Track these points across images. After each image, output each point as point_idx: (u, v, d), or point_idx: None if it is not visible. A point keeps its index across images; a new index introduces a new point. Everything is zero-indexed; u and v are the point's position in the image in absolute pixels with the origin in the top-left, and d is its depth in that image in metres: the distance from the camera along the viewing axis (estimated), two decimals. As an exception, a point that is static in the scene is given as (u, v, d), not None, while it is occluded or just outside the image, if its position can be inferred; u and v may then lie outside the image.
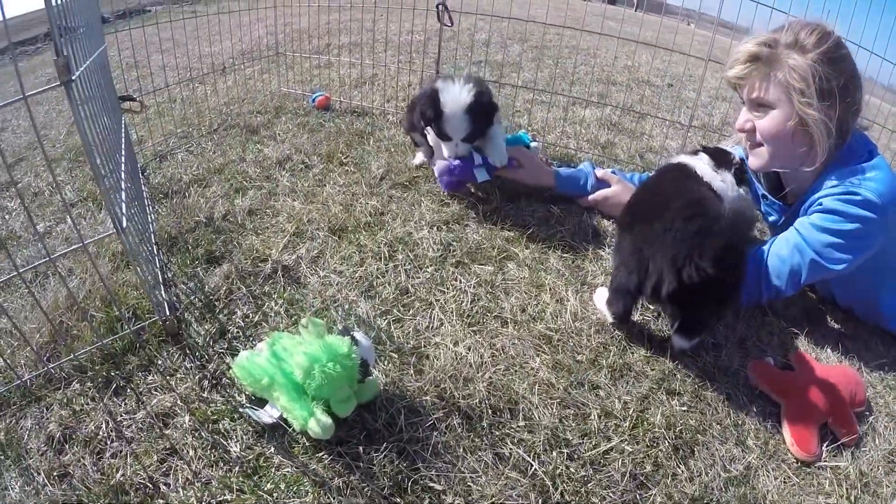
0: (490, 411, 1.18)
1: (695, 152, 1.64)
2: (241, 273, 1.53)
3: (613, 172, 1.98)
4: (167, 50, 3.49)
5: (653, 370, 1.34)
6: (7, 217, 1.97)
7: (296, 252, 1.63)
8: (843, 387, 1.32)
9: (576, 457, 1.12)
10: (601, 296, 1.49)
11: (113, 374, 1.20)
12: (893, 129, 2.48)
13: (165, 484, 1.00)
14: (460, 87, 1.77)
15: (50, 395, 1.16)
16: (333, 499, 0.99)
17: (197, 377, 1.19)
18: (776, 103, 1.46)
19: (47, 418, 1.10)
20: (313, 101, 2.84)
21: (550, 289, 1.55)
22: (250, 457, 1.04)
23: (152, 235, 1.66)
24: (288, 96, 2.98)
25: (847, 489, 1.16)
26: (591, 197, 1.93)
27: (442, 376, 1.23)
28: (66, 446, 1.05)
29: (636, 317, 1.49)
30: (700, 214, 1.28)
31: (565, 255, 1.71)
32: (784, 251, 1.46)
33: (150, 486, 0.99)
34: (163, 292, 1.41)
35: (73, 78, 1.10)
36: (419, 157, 2.18)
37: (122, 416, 1.11)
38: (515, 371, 1.29)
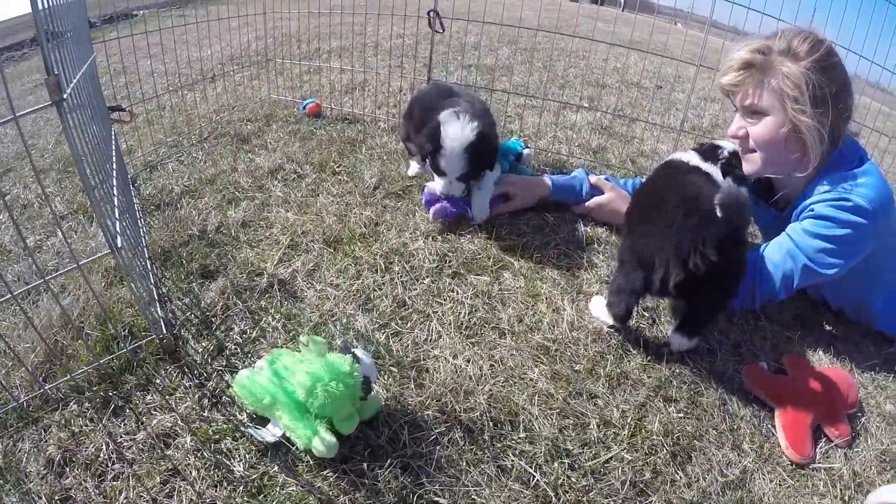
0: (491, 424, 1.19)
1: (696, 149, 1.67)
2: (236, 288, 1.52)
3: (607, 179, 2.00)
4: (154, 55, 3.45)
5: (649, 377, 1.36)
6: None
7: (291, 265, 1.62)
8: (836, 389, 1.35)
9: (577, 466, 1.14)
10: (597, 304, 1.51)
11: (111, 394, 1.20)
12: (874, 128, 2.52)
13: (169, 506, 1.00)
14: (463, 123, 1.72)
15: (47, 416, 1.15)
16: (338, 517, 0.99)
17: (196, 396, 1.19)
18: (770, 110, 1.48)
19: (46, 440, 1.10)
20: (304, 108, 2.83)
21: (546, 298, 1.56)
22: (254, 476, 1.03)
23: (145, 250, 1.65)
24: (278, 103, 2.97)
25: (841, 490, 1.18)
26: (586, 204, 1.95)
27: (442, 390, 1.24)
28: (67, 469, 1.04)
29: (631, 322, 1.51)
30: (696, 208, 1.31)
31: (560, 263, 1.72)
32: (777, 256, 1.48)
33: (154, 508, 0.99)
34: (158, 309, 1.40)
35: (65, 97, 1.09)
36: (414, 168, 2.17)
37: (122, 437, 1.10)
38: (515, 382, 1.30)
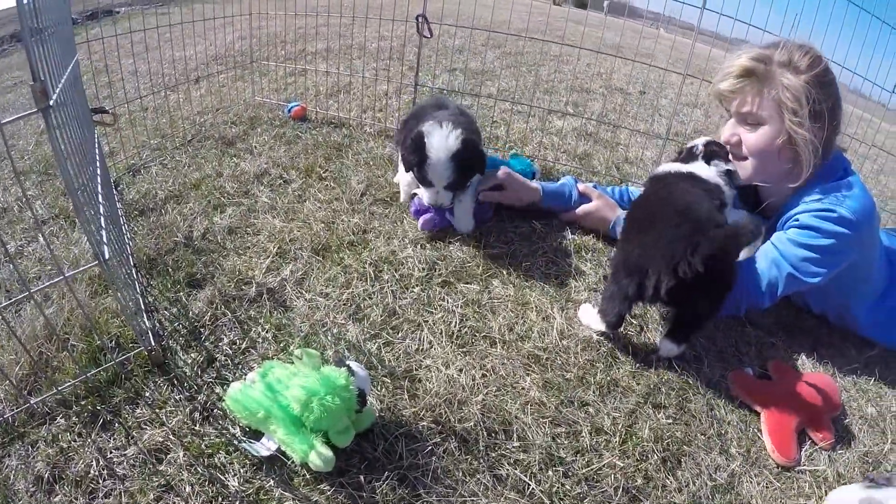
0: (485, 433, 1.20)
1: (675, 159, 1.70)
2: (224, 297, 1.51)
3: (595, 187, 2.02)
4: (137, 54, 3.39)
5: (638, 385, 1.38)
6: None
7: (280, 274, 1.61)
8: (819, 393, 1.39)
9: (570, 474, 1.15)
10: (586, 312, 1.53)
11: (99, 408, 1.17)
12: (853, 136, 2.60)
13: (162, 523, 0.99)
14: (448, 132, 1.72)
15: (33, 431, 1.12)
16: (335, 530, 0.99)
17: (187, 409, 1.17)
18: (767, 120, 1.50)
19: (33, 457, 1.07)
20: (289, 111, 2.81)
21: (536, 306, 1.57)
22: (250, 490, 1.03)
23: (130, 258, 1.62)
24: (263, 106, 2.94)
25: (826, 491, 1.21)
26: (576, 211, 1.96)
27: (436, 400, 1.24)
28: (57, 486, 1.02)
29: (620, 329, 1.53)
30: (686, 220, 1.34)
31: (549, 271, 1.74)
32: (762, 265, 1.52)
33: (147, 525, 0.98)
34: (146, 320, 1.38)
35: (51, 104, 1.06)
36: (404, 194, 2.14)
37: (112, 452, 1.08)
38: (507, 391, 1.31)
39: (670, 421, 1.31)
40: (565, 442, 1.22)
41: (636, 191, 2.01)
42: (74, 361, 1.25)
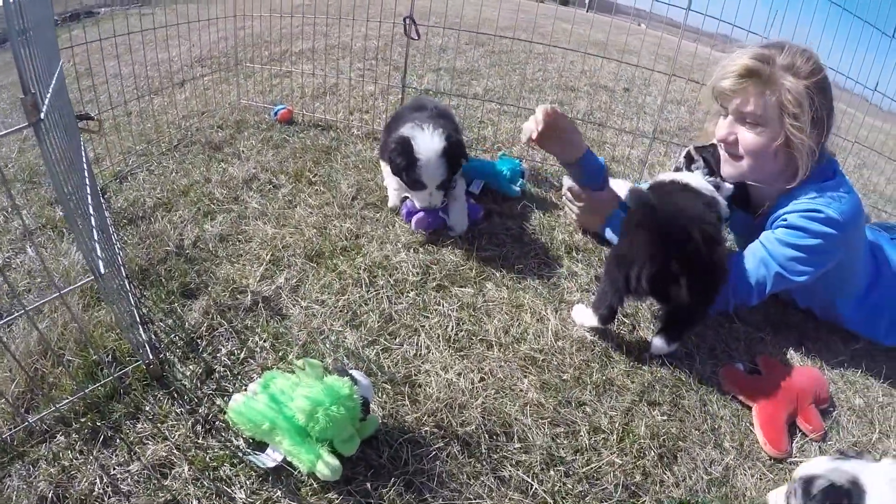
0: (487, 436, 1.22)
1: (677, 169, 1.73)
2: (220, 307, 1.50)
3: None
4: (119, 55, 3.33)
5: (633, 383, 1.41)
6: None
7: (274, 282, 1.61)
8: (808, 387, 1.44)
9: (571, 473, 1.18)
10: (579, 311, 1.56)
11: (99, 424, 1.16)
12: (835, 132, 2.65)
13: (170, 538, 0.99)
14: (431, 133, 1.74)
15: (33, 450, 1.11)
16: (343, 539, 1.00)
17: (189, 422, 1.17)
18: (767, 121, 1.51)
19: (35, 476, 1.06)
20: (275, 114, 2.79)
21: (530, 308, 1.60)
22: (257, 502, 1.03)
23: (122, 268, 1.61)
24: (248, 109, 2.91)
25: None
26: (594, 194, 1.91)
27: (437, 405, 1.26)
28: (61, 506, 1.02)
29: (613, 328, 1.56)
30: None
31: (541, 273, 1.76)
32: (750, 264, 1.55)
33: (154, 541, 0.98)
34: (142, 332, 1.37)
35: (42, 117, 1.05)
36: (393, 199, 2.14)
37: (115, 469, 1.08)
38: (506, 394, 1.33)
39: (665, 417, 1.34)
40: (565, 442, 1.24)
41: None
42: (71, 377, 1.24)
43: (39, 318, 1.45)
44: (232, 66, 3.33)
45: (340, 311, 1.52)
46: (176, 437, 1.14)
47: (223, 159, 2.34)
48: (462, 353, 1.43)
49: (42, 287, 1.57)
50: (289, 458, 1.07)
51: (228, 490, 1.05)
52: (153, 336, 1.40)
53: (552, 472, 1.17)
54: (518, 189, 2.19)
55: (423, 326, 1.49)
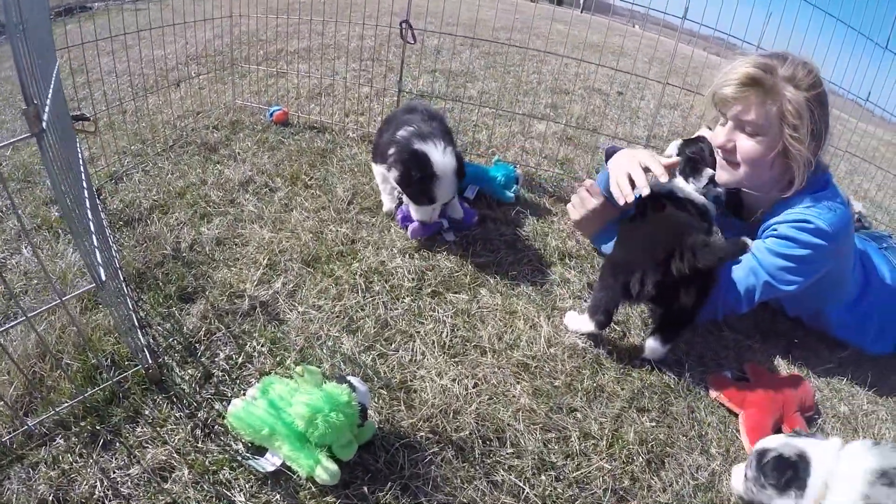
0: (480, 441, 1.25)
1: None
2: (217, 311, 1.52)
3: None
4: (113, 51, 3.32)
5: (623, 390, 1.45)
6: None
7: (271, 286, 1.63)
8: (794, 394, 1.48)
9: (562, 478, 1.21)
10: (572, 318, 1.59)
11: (98, 427, 1.18)
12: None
13: (170, 541, 1.01)
14: (442, 149, 1.73)
15: (33, 453, 1.13)
16: (340, 542, 1.03)
17: (189, 426, 1.19)
18: (766, 131, 1.53)
19: (35, 479, 1.08)
20: (271, 115, 2.79)
21: (523, 315, 1.63)
22: (256, 506, 1.06)
23: (119, 272, 1.62)
24: (244, 109, 2.92)
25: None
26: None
27: (432, 411, 1.29)
28: (61, 509, 1.03)
29: (604, 334, 1.60)
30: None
31: (535, 279, 1.79)
32: (740, 273, 1.59)
33: (155, 544, 1.00)
34: (140, 337, 1.38)
35: (44, 127, 1.06)
36: (387, 204, 2.12)
37: (115, 472, 1.10)
38: (499, 400, 1.36)
39: (654, 424, 1.38)
40: (556, 447, 1.28)
41: None
42: (70, 381, 1.26)
43: (37, 320, 1.46)
44: (227, 65, 3.33)
45: (337, 316, 1.55)
46: (175, 440, 1.16)
47: (219, 161, 2.34)
48: (456, 360, 1.46)
49: (38, 289, 1.58)
50: (288, 463, 1.09)
51: (228, 494, 1.07)
52: (151, 340, 1.41)
53: (543, 477, 1.20)
54: (512, 195, 2.21)
55: (419, 332, 1.52)
